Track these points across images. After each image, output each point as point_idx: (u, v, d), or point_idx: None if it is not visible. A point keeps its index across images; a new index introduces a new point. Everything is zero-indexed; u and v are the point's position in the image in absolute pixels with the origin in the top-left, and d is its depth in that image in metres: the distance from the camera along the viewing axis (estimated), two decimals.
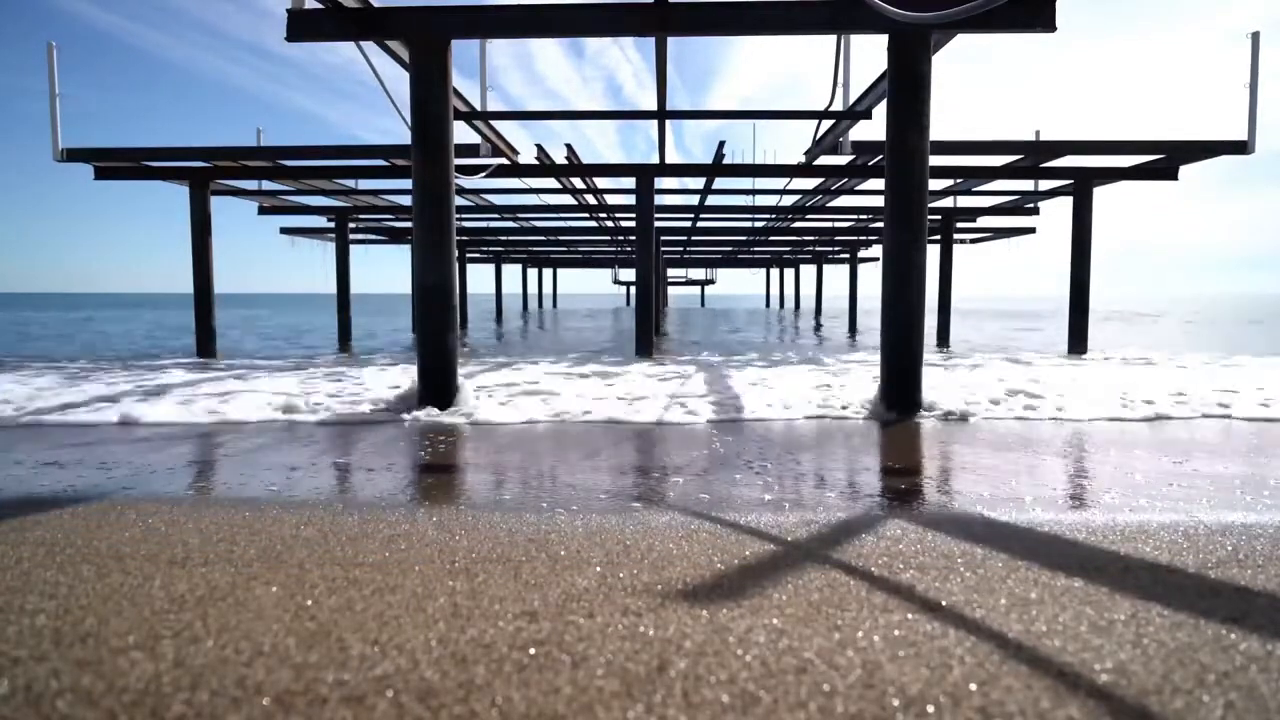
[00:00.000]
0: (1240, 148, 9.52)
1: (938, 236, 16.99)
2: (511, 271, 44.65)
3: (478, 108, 8.27)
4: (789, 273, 42.42)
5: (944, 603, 2.13)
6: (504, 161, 10.28)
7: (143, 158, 10.74)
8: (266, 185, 12.76)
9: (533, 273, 41.60)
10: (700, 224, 18.60)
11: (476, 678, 1.69)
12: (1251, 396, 6.68)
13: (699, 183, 13.01)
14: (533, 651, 1.82)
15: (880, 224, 17.72)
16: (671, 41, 6.90)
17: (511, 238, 22.66)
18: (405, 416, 5.86)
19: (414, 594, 2.20)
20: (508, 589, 2.24)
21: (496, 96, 8.40)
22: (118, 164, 10.97)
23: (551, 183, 12.32)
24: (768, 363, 10.84)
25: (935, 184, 12.48)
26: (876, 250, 25.03)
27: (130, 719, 1.54)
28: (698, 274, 47.11)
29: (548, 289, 48.91)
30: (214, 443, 4.99)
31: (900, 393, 6.08)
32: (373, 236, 20.91)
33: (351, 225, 17.74)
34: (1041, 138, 10.14)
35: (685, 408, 6.34)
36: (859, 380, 8.03)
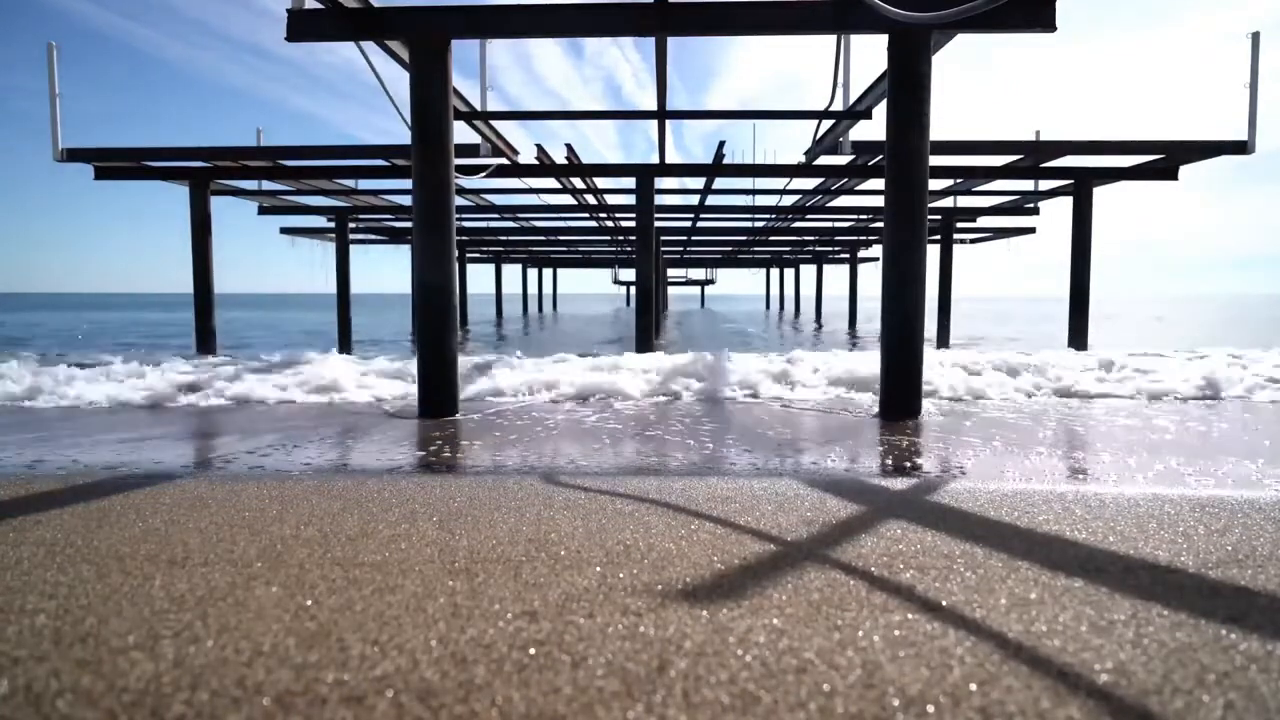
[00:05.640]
0: (1240, 148, 9.53)
1: (938, 236, 17.00)
2: (511, 271, 44.62)
3: (478, 108, 8.27)
4: (789, 273, 42.42)
5: (944, 603, 2.13)
6: (504, 161, 10.28)
7: (143, 158, 10.75)
8: (266, 185, 12.77)
9: (533, 273, 41.63)
10: (700, 224, 18.61)
11: (476, 678, 1.69)
12: None
13: (699, 183, 13.02)
14: (533, 651, 1.82)
15: (880, 224, 17.72)
16: (671, 41, 6.90)
17: (511, 238, 22.68)
18: (406, 415, 5.85)
19: (414, 594, 2.20)
20: (508, 589, 2.24)
21: (496, 96, 8.40)
22: (118, 164, 10.98)
23: (551, 183, 12.33)
24: None
25: (935, 184, 12.48)
26: (876, 250, 25.03)
27: (130, 719, 1.54)
28: (698, 274, 47.16)
29: (548, 289, 48.99)
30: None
31: (900, 393, 6.07)
32: (373, 236, 20.92)
33: (351, 225, 17.74)
34: (1041, 138, 10.15)
35: None
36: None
